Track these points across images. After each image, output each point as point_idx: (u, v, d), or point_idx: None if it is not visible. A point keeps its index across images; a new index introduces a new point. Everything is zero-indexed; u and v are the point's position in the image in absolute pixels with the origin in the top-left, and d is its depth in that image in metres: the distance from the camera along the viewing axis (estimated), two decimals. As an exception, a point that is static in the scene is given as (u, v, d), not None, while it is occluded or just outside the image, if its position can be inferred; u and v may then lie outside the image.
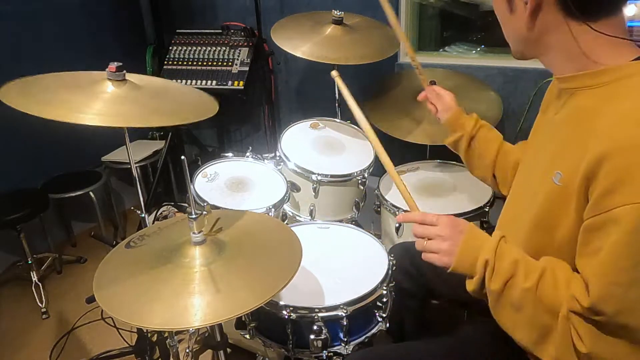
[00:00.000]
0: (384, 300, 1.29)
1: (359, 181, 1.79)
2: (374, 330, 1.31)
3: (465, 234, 0.95)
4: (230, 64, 2.60)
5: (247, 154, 1.89)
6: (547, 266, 0.87)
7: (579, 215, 0.80)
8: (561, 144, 0.88)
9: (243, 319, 1.31)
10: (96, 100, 1.22)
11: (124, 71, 1.30)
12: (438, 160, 1.98)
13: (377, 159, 1.84)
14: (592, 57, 0.83)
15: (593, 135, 0.77)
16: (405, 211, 1.08)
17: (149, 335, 1.70)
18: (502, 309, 0.90)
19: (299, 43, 1.90)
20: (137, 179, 1.48)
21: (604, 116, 0.78)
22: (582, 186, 0.78)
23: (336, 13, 1.96)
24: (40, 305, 2.23)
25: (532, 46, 0.89)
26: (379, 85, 2.22)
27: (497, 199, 1.70)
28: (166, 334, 1.59)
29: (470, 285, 0.93)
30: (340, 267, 1.39)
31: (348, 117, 2.06)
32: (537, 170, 0.95)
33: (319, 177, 1.73)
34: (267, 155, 1.91)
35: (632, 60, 0.81)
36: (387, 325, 1.31)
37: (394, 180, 1.12)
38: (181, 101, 1.41)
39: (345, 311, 1.21)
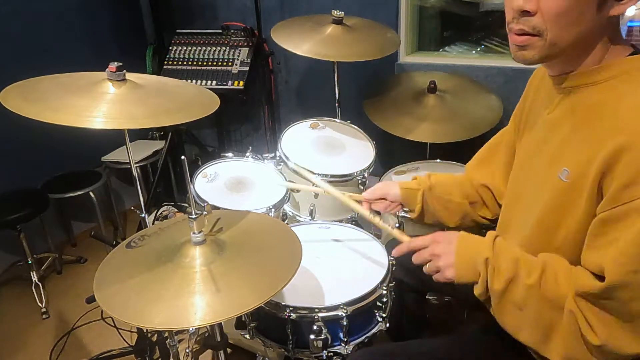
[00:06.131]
0: (384, 300, 1.29)
1: (359, 181, 1.79)
2: (374, 330, 1.31)
3: (456, 242, 0.96)
4: (230, 64, 2.60)
5: (247, 154, 1.89)
6: (547, 261, 0.88)
7: (589, 211, 0.80)
8: (563, 141, 0.88)
9: (243, 319, 1.31)
10: (100, 103, 1.22)
11: (124, 71, 1.30)
12: (438, 160, 1.98)
13: (377, 158, 1.85)
14: (594, 57, 0.84)
15: (605, 130, 0.78)
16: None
17: (149, 335, 1.70)
18: (505, 309, 0.90)
19: (300, 42, 1.90)
20: (137, 179, 1.48)
21: (615, 111, 0.79)
22: (596, 181, 0.77)
23: (336, 13, 1.96)
24: (40, 305, 2.23)
25: (577, 47, 0.84)
26: (379, 85, 2.22)
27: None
28: (166, 334, 1.59)
29: (477, 290, 0.93)
30: (340, 267, 1.39)
31: (348, 117, 2.07)
32: (538, 170, 0.95)
33: (319, 177, 1.73)
34: (267, 155, 1.91)
35: (628, 55, 0.83)
36: (387, 325, 1.31)
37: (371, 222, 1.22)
38: (183, 98, 1.41)
39: (345, 311, 1.21)
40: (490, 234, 0.96)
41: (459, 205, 1.27)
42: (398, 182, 1.35)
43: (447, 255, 0.96)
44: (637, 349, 0.78)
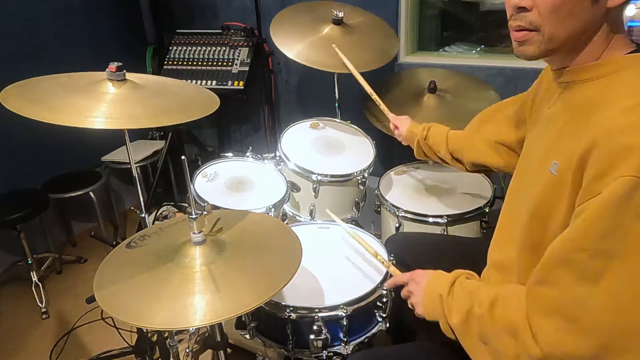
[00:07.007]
0: (384, 300, 1.29)
1: (359, 181, 1.79)
2: (374, 330, 1.31)
3: (425, 282, 1.03)
4: (230, 64, 2.60)
5: (247, 154, 1.89)
6: (501, 290, 0.90)
7: (572, 204, 0.80)
8: (556, 135, 0.89)
9: (243, 318, 1.31)
10: (100, 103, 1.22)
11: (124, 71, 1.30)
12: (438, 160, 1.98)
13: (377, 158, 1.85)
14: (594, 50, 0.84)
15: (586, 127, 0.79)
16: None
17: (149, 335, 1.70)
18: (472, 345, 0.90)
19: (299, 46, 1.90)
20: (137, 179, 1.48)
21: (598, 108, 0.80)
22: (577, 175, 0.78)
23: (336, 13, 1.96)
24: (40, 305, 2.23)
25: (576, 39, 0.84)
26: (378, 85, 2.22)
27: (497, 198, 1.70)
28: (166, 334, 1.60)
29: (442, 327, 0.96)
30: (341, 267, 1.39)
31: (348, 117, 2.07)
32: (534, 163, 0.96)
33: (319, 177, 1.73)
34: (267, 155, 1.91)
35: (626, 53, 0.83)
36: (387, 325, 1.31)
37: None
38: (183, 98, 1.41)
39: (345, 311, 1.21)
40: (454, 272, 1.02)
41: (445, 157, 1.48)
42: (410, 124, 1.61)
43: (418, 294, 1.04)
44: (583, 349, 0.74)
